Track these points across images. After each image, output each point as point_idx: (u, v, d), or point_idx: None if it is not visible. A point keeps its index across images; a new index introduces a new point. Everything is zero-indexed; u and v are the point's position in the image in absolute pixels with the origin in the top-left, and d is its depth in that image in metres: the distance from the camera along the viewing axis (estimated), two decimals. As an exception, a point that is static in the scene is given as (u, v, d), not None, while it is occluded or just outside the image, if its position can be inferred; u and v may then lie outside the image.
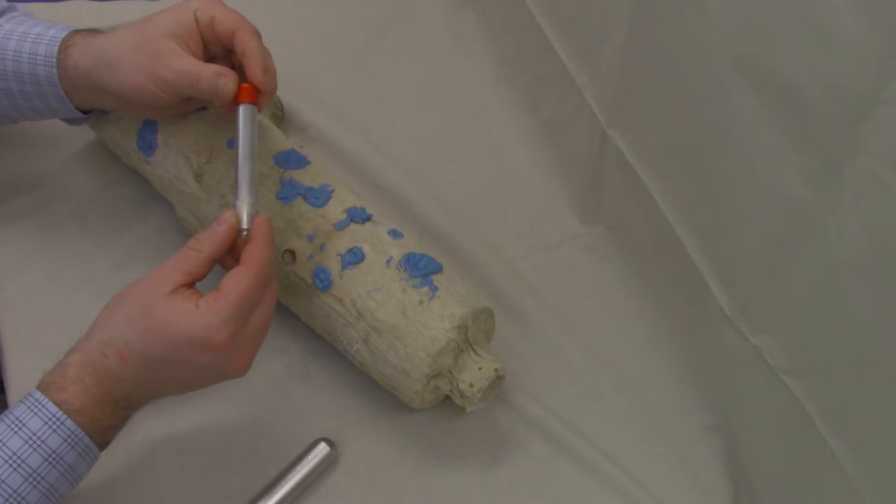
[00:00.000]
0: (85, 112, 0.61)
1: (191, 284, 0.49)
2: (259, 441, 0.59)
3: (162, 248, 0.67)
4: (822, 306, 0.48)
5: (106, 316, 0.49)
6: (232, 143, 0.62)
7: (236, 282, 0.48)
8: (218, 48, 0.57)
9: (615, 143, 0.65)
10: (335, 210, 0.60)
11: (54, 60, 0.56)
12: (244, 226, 0.52)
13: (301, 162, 0.63)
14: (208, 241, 0.50)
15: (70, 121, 0.63)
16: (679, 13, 0.53)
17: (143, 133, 0.64)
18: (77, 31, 0.57)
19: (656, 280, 0.67)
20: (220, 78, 0.54)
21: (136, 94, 0.55)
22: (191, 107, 0.62)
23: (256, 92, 0.55)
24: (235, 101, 0.55)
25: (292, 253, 0.59)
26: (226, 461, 0.58)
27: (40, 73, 0.56)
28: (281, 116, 0.76)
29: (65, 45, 0.56)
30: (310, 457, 0.57)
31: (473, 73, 0.83)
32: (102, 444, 0.49)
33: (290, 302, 0.61)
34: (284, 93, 0.76)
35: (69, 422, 0.46)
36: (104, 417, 0.48)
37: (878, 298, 0.43)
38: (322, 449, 0.58)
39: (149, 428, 0.59)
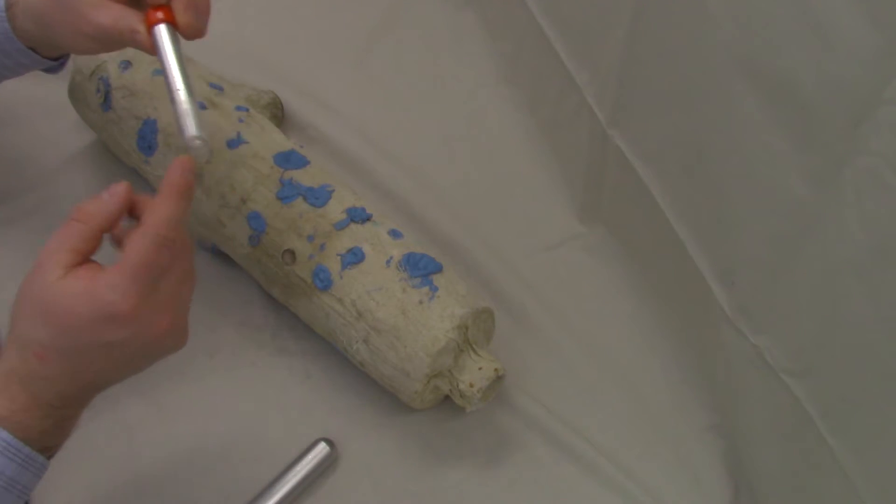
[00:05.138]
0: (56, 59, 0.58)
1: (81, 263, 0.45)
2: (259, 441, 0.59)
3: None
4: (822, 306, 0.47)
5: (13, 318, 0.45)
6: (232, 143, 0.62)
7: (134, 246, 0.44)
8: None
9: (615, 142, 0.65)
10: (335, 210, 0.60)
11: (5, 15, 0.53)
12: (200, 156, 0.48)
13: (301, 162, 0.63)
14: (96, 213, 0.46)
15: (48, 70, 0.60)
16: (679, 13, 0.53)
17: (143, 133, 0.64)
18: None
19: (656, 280, 0.67)
20: (134, 35, 0.50)
21: (80, 49, 0.53)
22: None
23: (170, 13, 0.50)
24: (149, 25, 0.49)
25: (292, 253, 0.59)
26: (226, 461, 0.58)
27: None
28: (281, 116, 0.76)
29: (8, 4, 0.53)
30: (310, 457, 0.57)
31: (473, 73, 0.83)
32: (42, 449, 0.45)
33: (290, 302, 0.61)
34: (284, 93, 0.76)
35: (3, 433, 0.43)
36: (34, 423, 0.44)
37: (878, 298, 0.43)
38: (322, 449, 0.58)
39: (149, 428, 0.59)
